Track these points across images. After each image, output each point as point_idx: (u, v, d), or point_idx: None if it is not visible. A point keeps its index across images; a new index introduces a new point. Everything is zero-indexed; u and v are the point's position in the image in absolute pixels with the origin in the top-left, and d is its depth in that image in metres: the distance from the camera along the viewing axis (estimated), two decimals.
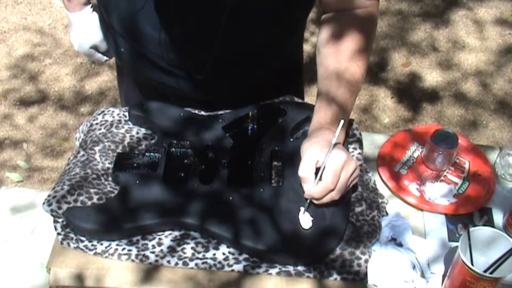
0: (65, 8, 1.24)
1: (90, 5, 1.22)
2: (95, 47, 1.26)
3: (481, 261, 0.94)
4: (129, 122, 1.12)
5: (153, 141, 1.09)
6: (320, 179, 0.93)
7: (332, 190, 0.93)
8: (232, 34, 1.03)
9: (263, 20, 1.04)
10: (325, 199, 0.93)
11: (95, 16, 1.23)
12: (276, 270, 0.93)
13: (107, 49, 1.27)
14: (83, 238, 0.96)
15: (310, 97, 2.52)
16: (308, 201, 0.95)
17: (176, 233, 0.97)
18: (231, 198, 0.97)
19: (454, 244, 1.03)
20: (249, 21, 1.04)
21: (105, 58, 1.30)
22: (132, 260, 0.94)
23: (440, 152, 1.13)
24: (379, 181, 1.13)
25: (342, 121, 0.93)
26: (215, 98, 1.16)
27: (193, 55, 1.09)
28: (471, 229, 0.93)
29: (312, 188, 0.93)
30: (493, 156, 1.21)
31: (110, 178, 1.03)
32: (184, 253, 0.94)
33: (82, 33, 1.24)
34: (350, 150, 1.09)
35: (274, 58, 1.16)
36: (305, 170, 0.94)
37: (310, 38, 2.79)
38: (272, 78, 1.18)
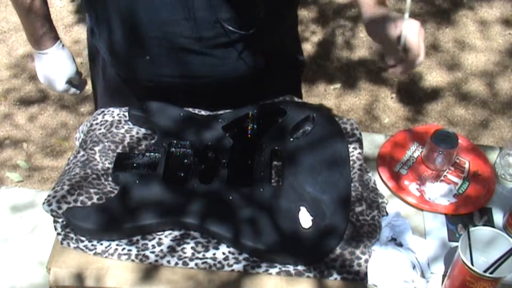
0: (34, 49, 1.21)
1: (59, 41, 1.22)
2: (69, 81, 1.26)
3: (481, 261, 0.94)
4: (129, 122, 1.12)
5: (153, 141, 1.09)
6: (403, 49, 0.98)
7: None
8: None
9: None
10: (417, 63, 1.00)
11: (66, 50, 1.23)
12: (276, 269, 0.93)
13: (80, 81, 1.29)
14: (83, 238, 0.96)
15: (310, 98, 2.52)
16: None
17: (176, 233, 0.97)
18: (231, 197, 0.97)
19: (454, 244, 1.03)
20: None
21: (79, 91, 1.31)
22: (132, 260, 0.94)
23: (440, 152, 1.13)
24: (379, 181, 1.13)
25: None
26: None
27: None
28: (471, 229, 0.93)
29: (416, 57, 0.99)
30: (493, 156, 1.21)
31: (110, 178, 1.03)
32: (184, 253, 0.94)
33: (59, 67, 1.23)
34: (350, 150, 1.09)
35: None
36: (391, 46, 1.00)
37: (311, 38, 2.79)
38: (270, 74, 1.17)
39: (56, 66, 1.23)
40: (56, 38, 1.21)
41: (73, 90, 1.29)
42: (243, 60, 1.14)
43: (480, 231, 0.93)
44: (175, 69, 1.13)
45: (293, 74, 1.35)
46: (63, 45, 1.23)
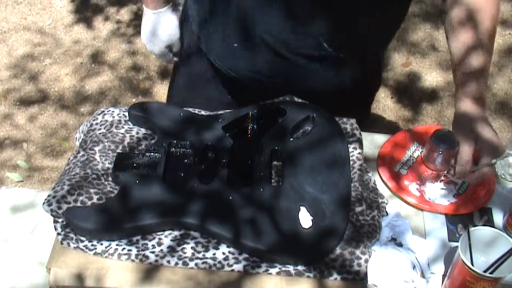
0: (145, 6, 1.24)
1: (171, 3, 1.24)
2: (169, 47, 1.27)
3: (481, 261, 0.94)
4: (129, 122, 1.13)
5: (153, 141, 1.09)
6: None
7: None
8: None
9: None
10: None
11: (175, 15, 1.25)
12: (276, 270, 0.93)
13: (178, 50, 1.29)
14: (83, 238, 0.96)
15: None
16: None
17: (176, 233, 0.97)
18: (231, 197, 0.97)
19: (454, 244, 1.03)
20: None
21: (175, 58, 1.32)
22: (132, 260, 0.94)
23: (440, 152, 1.13)
24: (379, 181, 1.13)
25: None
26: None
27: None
28: (471, 229, 0.93)
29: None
30: None
31: (110, 178, 1.03)
32: (184, 253, 0.94)
33: (162, 30, 1.25)
34: (350, 150, 1.09)
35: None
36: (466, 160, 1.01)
37: None
38: (345, 96, 1.20)
39: (162, 27, 1.25)
40: (168, 1, 1.24)
41: (170, 56, 1.31)
42: (325, 78, 1.16)
43: (480, 231, 0.93)
44: (249, 63, 1.15)
45: (365, 100, 1.40)
46: (173, 9, 1.25)
